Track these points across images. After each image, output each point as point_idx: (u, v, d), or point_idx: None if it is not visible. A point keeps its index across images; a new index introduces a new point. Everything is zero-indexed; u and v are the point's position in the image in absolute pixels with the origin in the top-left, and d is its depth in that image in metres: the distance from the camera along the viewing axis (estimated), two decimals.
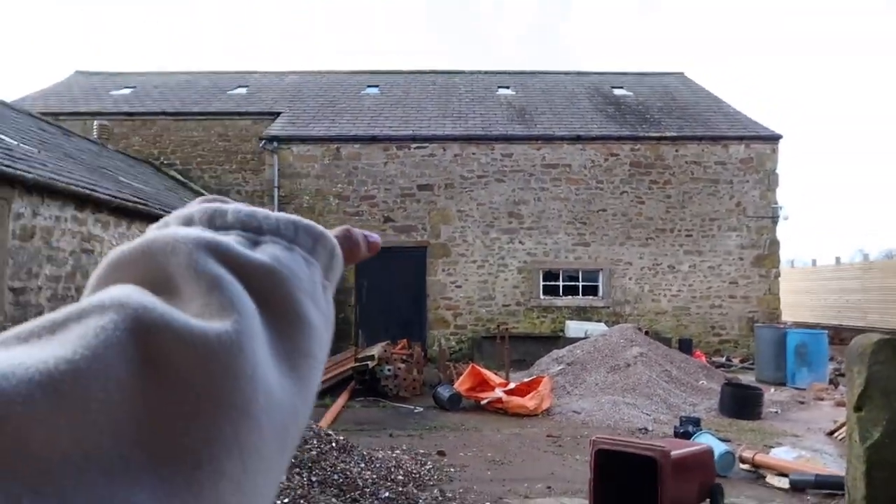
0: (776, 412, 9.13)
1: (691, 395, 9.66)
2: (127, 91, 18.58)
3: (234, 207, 0.40)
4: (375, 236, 0.50)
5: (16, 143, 7.20)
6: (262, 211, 0.40)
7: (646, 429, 7.82)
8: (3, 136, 7.07)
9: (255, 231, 0.38)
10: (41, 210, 5.88)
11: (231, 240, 0.36)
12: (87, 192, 6.50)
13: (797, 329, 12.59)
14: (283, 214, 0.40)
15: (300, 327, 0.35)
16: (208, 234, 0.35)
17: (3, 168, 5.25)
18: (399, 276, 15.02)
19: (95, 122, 15.41)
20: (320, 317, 0.37)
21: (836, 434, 7.70)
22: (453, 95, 18.26)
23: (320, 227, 0.42)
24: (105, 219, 7.02)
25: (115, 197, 7.07)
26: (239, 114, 16.90)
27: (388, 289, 14.96)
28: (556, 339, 13.55)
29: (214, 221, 0.38)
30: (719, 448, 5.93)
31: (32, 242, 5.74)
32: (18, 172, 5.44)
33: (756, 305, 15.23)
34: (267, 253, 0.36)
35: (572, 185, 15.34)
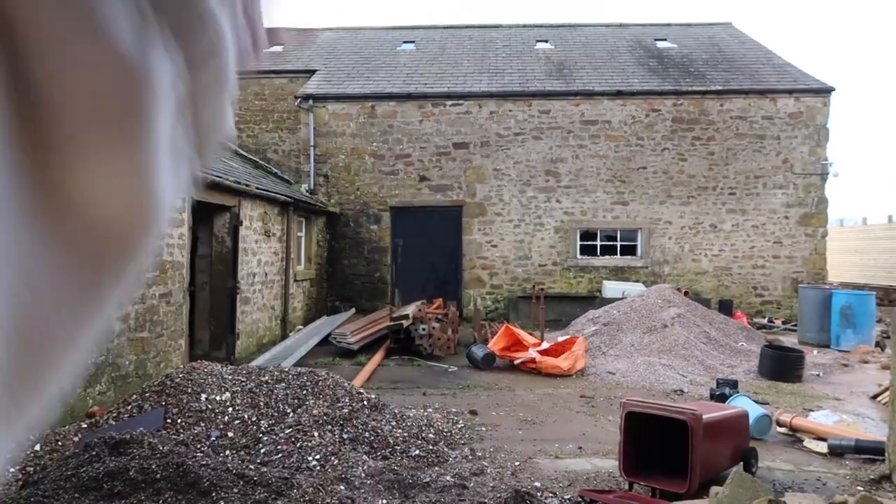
0: (818, 375, 8.93)
1: (730, 357, 9.50)
2: None
3: None
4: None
5: None
6: None
7: (681, 390, 7.72)
8: None
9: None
10: None
11: None
12: None
13: (843, 290, 12.21)
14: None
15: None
16: None
17: None
18: (435, 236, 15.01)
19: None
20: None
21: (879, 398, 7.49)
22: (490, 50, 17.87)
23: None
24: None
25: None
26: (275, 72, 16.86)
27: (423, 248, 14.97)
28: (593, 300, 13.44)
29: None
30: (755, 411, 5.82)
31: None
32: None
33: (801, 265, 14.80)
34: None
35: (612, 143, 14.98)
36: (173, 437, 4.15)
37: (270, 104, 16.64)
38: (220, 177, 8.92)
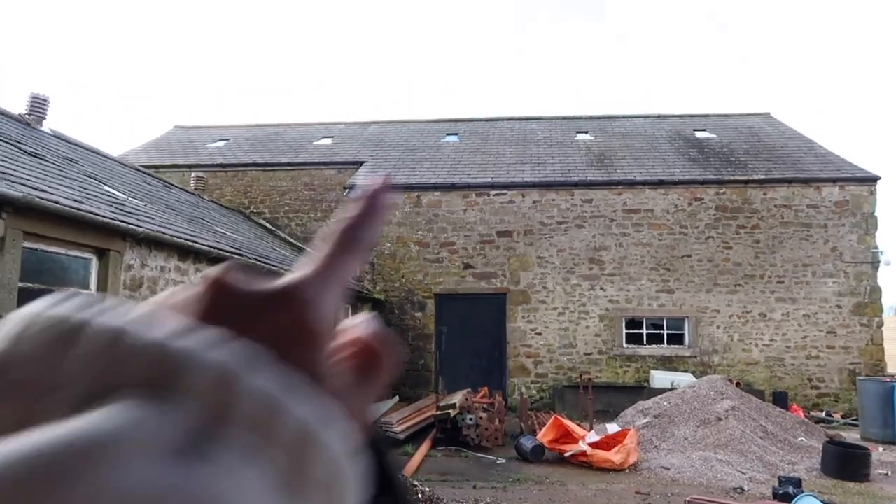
0: (886, 474, 8.49)
1: (789, 453, 9.12)
2: (220, 143, 19.69)
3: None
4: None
5: (125, 196, 7.75)
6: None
7: (741, 488, 7.42)
8: (114, 191, 7.63)
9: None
10: (148, 261, 6.29)
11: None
12: (189, 243, 6.90)
13: None
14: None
15: None
16: None
17: (118, 223, 5.66)
18: (479, 323, 15.02)
19: (192, 174, 16.39)
20: None
21: None
22: (531, 141, 18.38)
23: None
24: (204, 268, 7.41)
25: (213, 247, 7.46)
26: (324, 164, 17.57)
27: (467, 335, 14.97)
28: (641, 390, 13.14)
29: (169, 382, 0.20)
30: None
31: (140, 292, 6.12)
32: (130, 226, 5.85)
33: (858, 356, 14.32)
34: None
35: (655, 231, 15.04)
36: None
37: (319, 194, 17.26)
38: (276, 266, 9.24)
